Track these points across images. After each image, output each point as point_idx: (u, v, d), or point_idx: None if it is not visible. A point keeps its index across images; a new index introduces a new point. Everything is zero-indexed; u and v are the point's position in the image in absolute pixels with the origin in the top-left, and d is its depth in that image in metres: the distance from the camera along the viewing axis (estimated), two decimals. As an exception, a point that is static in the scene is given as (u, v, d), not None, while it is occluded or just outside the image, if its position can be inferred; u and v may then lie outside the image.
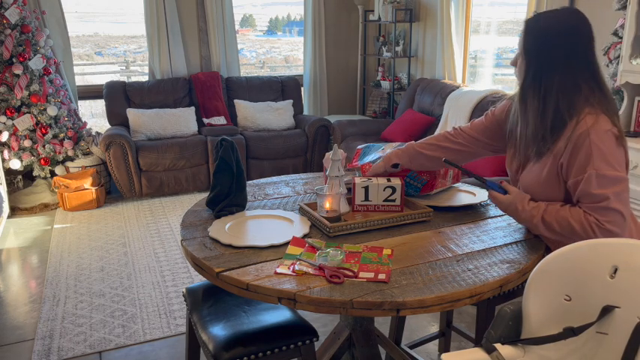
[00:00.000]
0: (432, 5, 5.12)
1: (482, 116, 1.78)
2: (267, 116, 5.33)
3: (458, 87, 4.61)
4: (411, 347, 2.30)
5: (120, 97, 5.06)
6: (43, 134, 4.42)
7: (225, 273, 1.37)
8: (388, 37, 5.76)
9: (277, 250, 1.50)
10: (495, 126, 1.73)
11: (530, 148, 1.55)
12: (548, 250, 1.50)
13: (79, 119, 4.89)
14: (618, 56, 3.00)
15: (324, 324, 2.69)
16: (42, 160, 4.46)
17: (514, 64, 1.58)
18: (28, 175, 4.66)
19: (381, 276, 1.34)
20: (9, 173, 4.52)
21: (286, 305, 1.29)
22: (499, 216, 1.79)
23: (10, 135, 4.34)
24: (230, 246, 1.53)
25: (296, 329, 1.67)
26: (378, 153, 1.99)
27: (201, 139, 4.86)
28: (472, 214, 1.80)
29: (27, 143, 4.38)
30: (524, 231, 1.65)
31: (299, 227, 1.64)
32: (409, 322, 2.67)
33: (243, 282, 1.32)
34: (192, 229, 1.68)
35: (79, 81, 5.35)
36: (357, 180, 1.76)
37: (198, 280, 3.10)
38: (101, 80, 5.74)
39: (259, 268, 1.40)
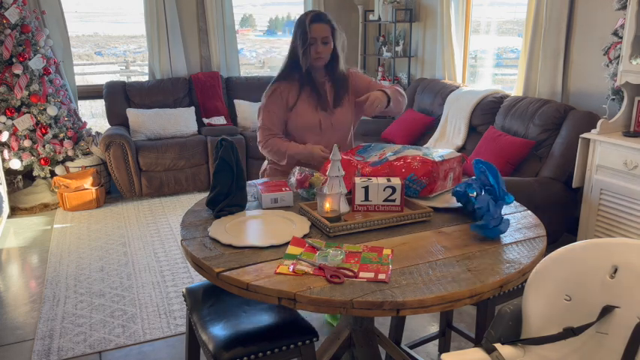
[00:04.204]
0: (432, 5, 5.12)
1: None
2: (267, 116, 5.32)
3: (458, 87, 4.61)
4: (411, 347, 2.30)
5: (120, 97, 5.06)
6: (43, 134, 4.42)
7: (225, 273, 1.37)
8: (388, 37, 5.76)
9: (277, 250, 1.50)
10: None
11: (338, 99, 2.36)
12: (549, 250, 1.50)
13: (79, 119, 4.88)
14: (618, 56, 3.00)
15: (324, 324, 2.69)
16: (42, 160, 4.46)
17: (326, 41, 2.24)
18: (28, 175, 4.66)
19: (381, 276, 1.34)
20: (9, 173, 4.52)
21: (286, 305, 1.29)
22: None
23: (10, 135, 4.34)
24: (230, 246, 1.53)
25: (296, 329, 1.67)
26: (377, 156, 1.99)
27: (201, 139, 4.86)
28: (472, 214, 1.80)
29: (27, 143, 4.38)
30: (524, 231, 1.65)
31: (299, 227, 1.64)
32: (409, 322, 2.67)
33: (243, 282, 1.32)
34: (192, 229, 1.68)
35: (79, 81, 5.35)
36: (357, 180, 1.76)
37: (198, 280, 3.10)
38: (101, 80, 5.73)
39: (259, 268, 1.40)
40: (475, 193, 1.70)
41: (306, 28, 2.21)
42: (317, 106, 2.33)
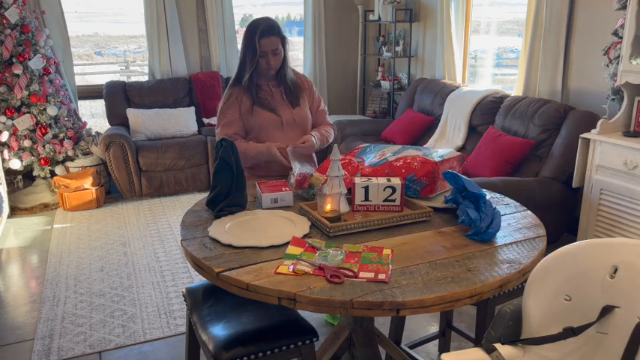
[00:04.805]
0: (432, 5, 5.12)
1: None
2: (267, 116, 5.32)
3: (458, 87, 4.60)
4: (411, 347, 2.30)
5: (120, 97, 5.06)
6: (43, 134, 4.41)
7: (225, 273, 1.37)
8: (388, 37, 5.76)
9: (277, 250, 1.50)
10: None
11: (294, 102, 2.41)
12: (549, 250, 1.50)
13: (79, 119, 4.88)
14: (618, 56, 3.00)
15: (324, 324, 2.69)
16: (42, 160, 4.46)
17: (277, 52, 2.28)
18: (28, 175, 4.66)
19: (381, 276, 1.34)
20: (9, 173, 4.52)
21: (286, 305, 1.29)
22: (499, 216, 1.78)
23: (10, 135, 4.34)
24: (230, 246, 1.53)
25: (296, 329, 1.67)
26: (377, 157, 1.99)
27: (201, 139, 4.86)
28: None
29: (27, 143, 4.37)
30: (524, 231, 1.65)
31: (299, 227, 1.64)
32: (409, 322, 2.67)
33: (243, 282, 1.32)
34: (192, 229, 1.68)
35: (79, 81, 5.35)
36: (357, 180, 1.76)
37: (198, 280, 3.10)
38: (101, 80, 5.73)
39: (259, 268, 1.40)
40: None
41: (256, 43, 2.22)
42: (275, 105, 2.37)
